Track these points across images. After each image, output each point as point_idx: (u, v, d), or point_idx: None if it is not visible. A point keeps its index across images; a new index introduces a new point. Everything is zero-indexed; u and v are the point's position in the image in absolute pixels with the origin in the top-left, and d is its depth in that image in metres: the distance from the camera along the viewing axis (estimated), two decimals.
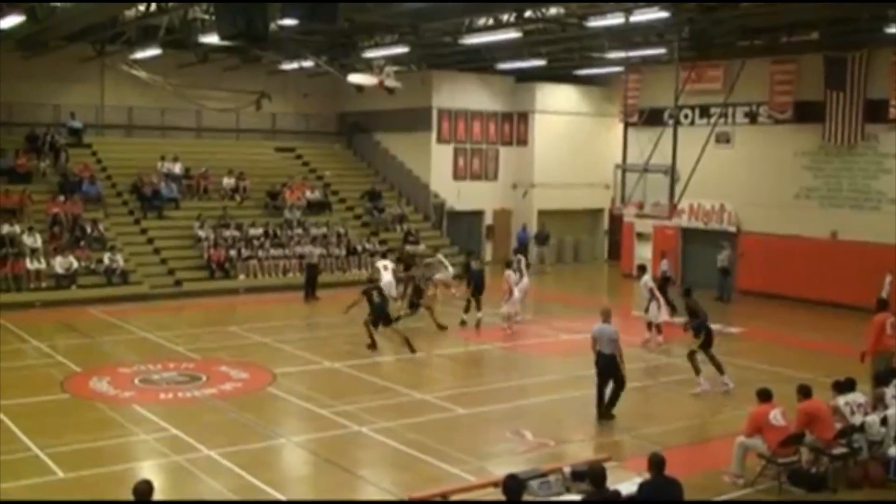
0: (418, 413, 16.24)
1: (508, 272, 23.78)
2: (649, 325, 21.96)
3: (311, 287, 28.76)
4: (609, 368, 15.81)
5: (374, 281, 22.68)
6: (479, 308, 23.96)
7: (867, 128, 27.56)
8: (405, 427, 15.26)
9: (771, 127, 30.22)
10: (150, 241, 30.99)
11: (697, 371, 17.71)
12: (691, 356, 17.86)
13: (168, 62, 30.46)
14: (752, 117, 30.87)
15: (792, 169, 29.56)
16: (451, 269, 27.40)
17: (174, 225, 31.89)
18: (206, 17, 24.57)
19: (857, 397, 13.55)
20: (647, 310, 21.88)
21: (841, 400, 13.35)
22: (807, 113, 28.89)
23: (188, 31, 26.24)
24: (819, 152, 28.99)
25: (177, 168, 33.82)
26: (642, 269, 23.74)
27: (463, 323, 24.03)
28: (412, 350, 20.58)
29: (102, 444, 14.23)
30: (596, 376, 15.98)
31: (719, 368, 17.76)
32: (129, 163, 33.87)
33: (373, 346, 21.07)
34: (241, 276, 30.27)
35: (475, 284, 24.22)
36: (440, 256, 28.20)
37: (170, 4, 23.00)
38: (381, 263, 24.99)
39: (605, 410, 15.87)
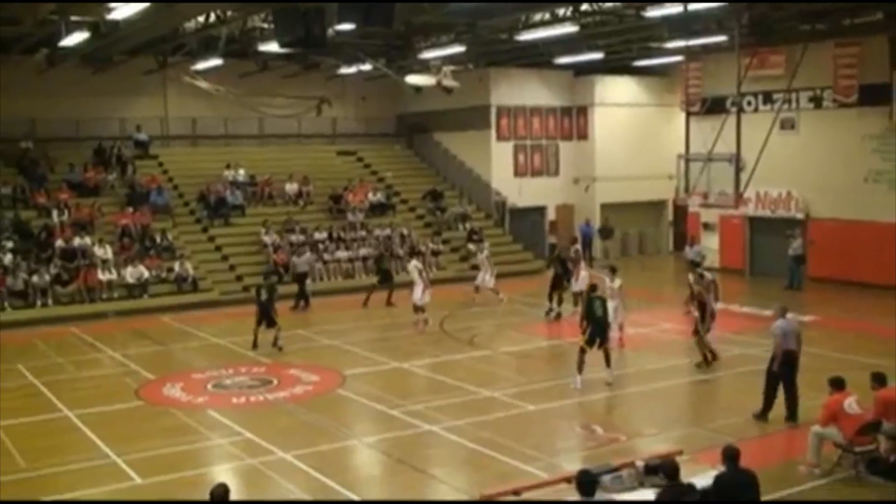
0: (487, 411, 16.25)
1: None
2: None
3: (302, 297, 27.77)
4: (795, 367, 15.09)
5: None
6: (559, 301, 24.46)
7: None
8: (475, 425, 15.29)
9: (836, 111, 29.65)
10: (218, 248, 31.46)
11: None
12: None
13: (229, 72, 30.86)
14: (817, 102, 30.32)
15: (860, 153, 28.97)
16: (492, 273, 27.69)
17: (241, 231, 32.33)
18: (265, 25, 24.87)
19: None
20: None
21: None
22: (873, 95, 28.28)
23: (248, 41, 26.62)
24: (887, 135, 28.36)
25: (241, 175, 34.27)
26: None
27: (555, 313, 24.54)
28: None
29: (178, 450, 14.48)
30: (770, 374, 15.11)
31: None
32: (195, 172, 34.44)
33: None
34: (308, 280, 30.49)
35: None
36: (484, 256, 28.42)
37: (229, 14, 23.30)
38: (412, 265, 24.87)
39: (792, 414, 15.04)
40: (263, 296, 21.66)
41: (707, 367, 18.75)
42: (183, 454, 14.32)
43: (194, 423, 15.91)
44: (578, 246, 27.46)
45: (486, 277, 27.72)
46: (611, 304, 19.14)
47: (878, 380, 13.02)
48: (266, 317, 21.55)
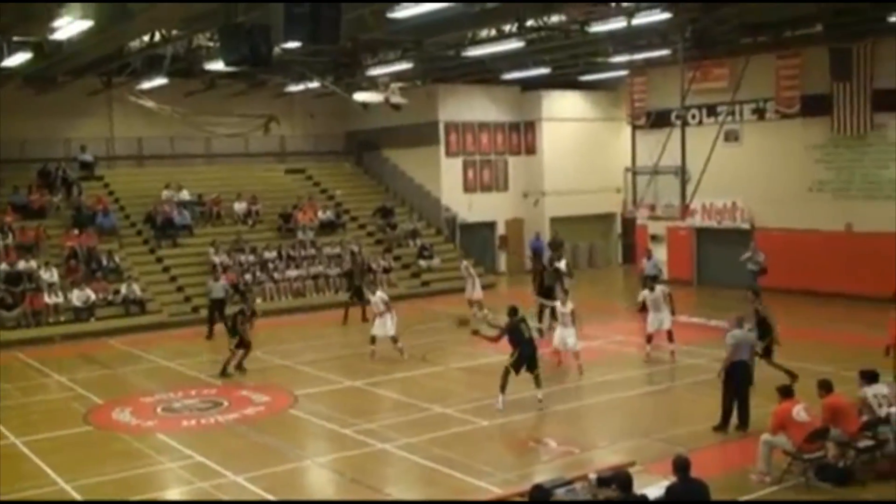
0: (441, 427, 16.22)
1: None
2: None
3: (213, 323, 26.22)
4: (747, 377, 15.32)
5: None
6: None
7: (876, 117, 27.45)
8: (429, 442, 15.26)
9: (779, 122, 30.16)
10: (166, 269, 31.13)
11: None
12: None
13: (175, 91, 30.61)
14: (760, 113, 30.82)
15: (803, 163, 29.48)
16: (478, 283, 27.45)
17: (189, 252, 32.04)
18: (211, 44, 24.71)
19: (881, 388, 13.49)
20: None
21: (869, 391, 13.28)
22: (815, 106, 28.80)
23: (193, 59, 26.42)
24: (829, 144, 28.91)
25: (184, 195, 33.95)
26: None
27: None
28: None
29: (128, 475, 14.26)
30: (727, 386, 15.26)
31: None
32: (142, 193, 34.07)
33: None
34: (258, 300, 30.30)
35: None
36: (467, 264, 28.27)
37: (174, 33, 23.12)
38: (377, 297, 22.66)
39: (743, 423, 15.22)
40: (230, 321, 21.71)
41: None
42: (133, 479, 14.10)
43: (144, 448, 15.68)
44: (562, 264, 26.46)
45: (477, 289, 27.33)
46: (565, 331, 19.11)
47: (825, 387, 13.23)
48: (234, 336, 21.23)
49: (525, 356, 17.05)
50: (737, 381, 15.15)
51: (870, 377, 13.53)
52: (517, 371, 17.10)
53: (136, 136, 35.63)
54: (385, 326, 22.10)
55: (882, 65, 27.07)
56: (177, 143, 36.15)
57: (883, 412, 13.03)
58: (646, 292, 21.22)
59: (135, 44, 24.86)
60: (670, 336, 20.90)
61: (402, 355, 21.91)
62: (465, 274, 27.81)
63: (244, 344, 21.16)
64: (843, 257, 27.66)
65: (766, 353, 17.33)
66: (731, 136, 30.89)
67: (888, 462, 12.75)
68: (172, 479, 14.30)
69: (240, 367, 21.22)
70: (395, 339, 22.18)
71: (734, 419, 15.21)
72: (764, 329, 17.35)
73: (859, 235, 27.88)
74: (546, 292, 24.39)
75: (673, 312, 21.18)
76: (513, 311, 17.48)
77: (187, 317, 28.75)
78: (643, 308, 21.26)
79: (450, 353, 22.98)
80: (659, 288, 21.18)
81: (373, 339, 22.34)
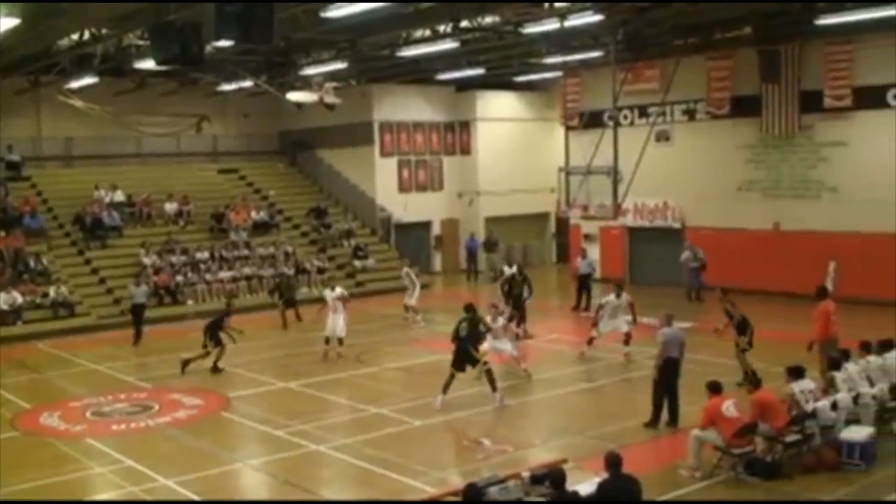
0: (376, 428, 16.17)
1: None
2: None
3: (139, 328, 25.74)
4: (677, 374, 15.53)
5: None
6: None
7: (803, 118, 28.06)
8: (363, 443, 15.22)
9: (710, 123, 30.65)
10: (95, 271, 30.59)
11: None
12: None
13: (105, 90, 30.13)
14: (691, 114, 31.30)
15: (733, 163, 29.99)
16: (419, 286, 27.16)
17: (119, 254, 31.52)
18: (141, 42, 24.35)
19: (807, 384, 13.77)
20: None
21: (796, 387, 13.55)
22: (744, 107, 29.33)
23: (123, 58, 26.00)
24: (758, 145, 29.46)
25: (116, 196, 33.42)
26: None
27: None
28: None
29: (57, 480, 13.98)
30: (659, 383, 15.46)
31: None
32: (71, 194, 33.45)
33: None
34: (190, 302, 29.99)
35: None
36: (408, 271, 27.88)
37: (104, 32, 22.74)
38: (338, 292, 22.40)
39: (673, 419, 15.44)
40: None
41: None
42: (62, 485, 13.82)
43: (74, 453, 15.39)
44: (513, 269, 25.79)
45: (415, 294, 26.95)
46: (497, 342, 18.65)
47: (754, 383, 13.48)
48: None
49: (457, 353, 17.12)
50: (667, 377, 15.39)
51: (796, 373, 13.81)
52: (454, 369, 17.14)
53: (65, 135, 34.97)
54: (337, 326, 21.82)
55: (809, 67, 27.67)
56: (107, 143, 35.53)
57: (809, 407, 13.31)
58: (611, 297, 20.86)
59: (64, 42, 24.42)
60: (628, 339, 20.77)
61: (338, 358, 21.77)
62: (407, 281, 27.32)
63: (220, 344, 21.31)
64: (772, 255, 28.20)
65: (750, 346, 17.81)
66: (663, 137, 31.33)
67: (814, 455, 13.04)
68: (102, 484, 14.05)
69: (216, 368, 21.22)
70: (340, 341, 21.94)
71: (665, 415, 15.43)
72: (742, 325, 17.92)
73: (787, 234, 28.46)
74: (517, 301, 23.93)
75: (635, 320, 20.98)
76: (466, 309, 17.68)
77: (117, 319, 28.24)
78: (585, 309, 20.86)
79: (384, 353, 22.96)
80: (625, 296, 20.92)
81: (327, 340, 22.03)
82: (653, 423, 15.43)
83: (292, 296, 27.80)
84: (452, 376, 17.14)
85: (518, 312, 23.09)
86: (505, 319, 19.22)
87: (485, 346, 17.75)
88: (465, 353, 17.15)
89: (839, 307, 17.87)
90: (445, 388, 17.11)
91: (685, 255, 28.95)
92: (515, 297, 24.16)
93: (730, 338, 18.33)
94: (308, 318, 25.80)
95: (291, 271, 32.00)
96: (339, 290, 22.35)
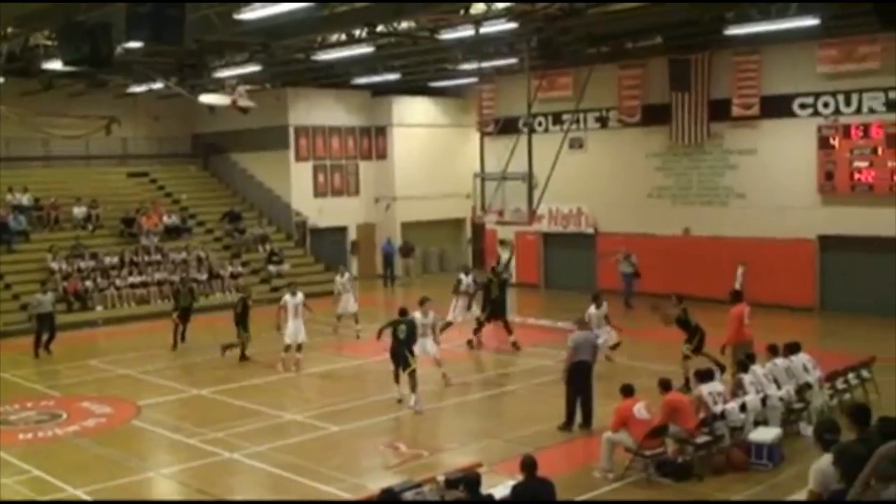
0: (290, 434, 16.09)
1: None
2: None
3: (45, 339, 24.50)
4: (588, 377, 15.74)
5: None
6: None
7: (712, 126, 28.72)
8: (277, 450, 15.09)
9: (621, 130, 31.17)
10: (1, 276, 29.74)
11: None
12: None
13: (11, 90, 29.31)
14: (603, 122, 31.79)
15: (644, 170, 30.53)
16: (355, 298, 25.87)
17: (25, 258, 30.71)
18: (49, 42, 23.78)
19: (716, 386, 14.08)
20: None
21: (705, 389, 13.83)
22: (655, 115, 29.90)
23: (31, 58, 25.34)
24: (668, 152, 30.04)
25: (24, 199, 32.58)
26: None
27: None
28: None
29: None
30: (570, 385, 15.65)
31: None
32: None
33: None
34: (99, 307, 29.37)
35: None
36: (346, 280, 25.97)
37: (10, 31, 22.15)
38: (292, 299, 21.64)
39: (586, 421, 15.62)
40: (239, 308, 22.47)
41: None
42: None
43: None
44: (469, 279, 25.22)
45: (350, 303, 25.48)
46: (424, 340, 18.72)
47: (664, 385, 13.75)
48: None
49: (394, 355, 17.59)
50: (578, 380, 15.61)
51: (704, 376, 14.11)
52: (395, 369, 17.63)
53: None
54: (300, 333, 21.29)
55: (718, 76, 28.34)
56: (12, 145, 34.55)
57: (718, 409, 13.61)
58: (591, 308, 20.02)
59: None
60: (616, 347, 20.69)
61: (295, 366, 21.27)
62: (341, 289, 25.58)
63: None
64: (682, 260, 28.72)
65: (699, 349, 17.96)
66: (576, 144, 31.75)
67: (724, 456, 13.34)
68: (9, 495, 13.63)
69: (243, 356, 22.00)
70: (300, 347, 21.38)
71: (579, 418, 15.63)
72: (693, 329, 18.10)
73: (696, 239, 29.06)
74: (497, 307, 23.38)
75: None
76: (402, 312, 18.11)
77: (23, 326, 27.47)
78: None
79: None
80: (605, 305, 20.43)
81: (287, 348, 21.46)
82: (567, 426, 15.62)
83: (189, 304, 25.37)
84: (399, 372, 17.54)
85: (497, 318, 23.09)
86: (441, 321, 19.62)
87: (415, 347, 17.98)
88: (402, 355, 17.40)
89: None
90: (410, 386, 17.37)
91: (617, 255, 29.06)
92: (494, 301, 23.40)
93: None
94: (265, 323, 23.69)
95: (204, 276, 31.58)
96: (300, 296, 21.68)
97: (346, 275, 26.23)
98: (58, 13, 16.91)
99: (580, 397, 15.65)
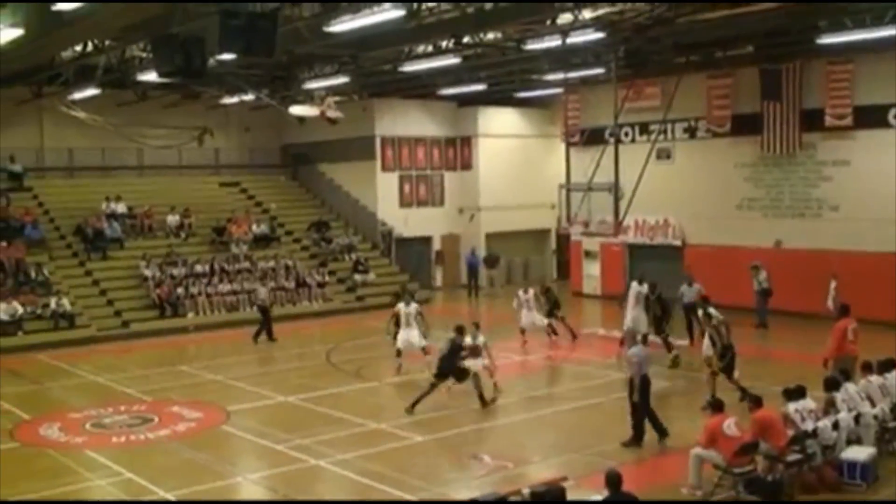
0: (375, 443, 16.16)
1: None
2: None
3: (266, 328, 26.78)
4: (649, 390, 15.70)
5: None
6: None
7: (804, 137, 28.10)
8: (362, 458, 15.19)
9: (710, 140, 30.71)
10: (96, 282, 30.59)
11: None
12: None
13: (107, 101, 30.19)
14: (692, 132, 31.36)
15: (733, 181, 30.03)
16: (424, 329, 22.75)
17: (119, 265, 31.53)
18: (144, 54, 24.42)
19: (808, 403, 13.73)
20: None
21: (791, 407, 13.52)
22: (745, 125, 29.39)
23: (126, 70, 26.06)
24: (759, 163, 29.49)
25: (118, 207, 33.45)
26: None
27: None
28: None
29: (56, 492, 13.98)
30: (638, 399, 15.52)
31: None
32: (72, 204, 33.46)
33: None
34: (190, 314, 29.98)
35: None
36: (412, 310, 22.02)
37: (107, 44, 22.80)
38: (405, 308, 21.61)
39: (661, 433, 15.61)
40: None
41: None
42: (61, 496, 13.84)
43: (73, 465, 15.38)
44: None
45: (415, 336, 21.78)
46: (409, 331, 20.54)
47: (755, 401, 13.46)
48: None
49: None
50: (644, 395, 15.50)
51: (795, 394, 13.78)
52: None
53: (67, 146, 34.95)
54: (414, 339, 21.44)
55: (810, 85, 27.74)
56: (108, 155, 35.59)
57: (808, 426, 13.29)
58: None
59: (67, 54, 24.46)
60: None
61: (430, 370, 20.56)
62: (411, 314, 22.03)
63: None
64: (773, 274, 27.84)
65: (728, 370, 17.65)
66: (664, 154, 31.37)
67: (815, 475, 13.01)
68: (101, 496, 14.02)
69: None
70: (424, 351, 21.47)
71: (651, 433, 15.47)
72: (724, 351, 17.70)
73: (788, 252, 28.44)
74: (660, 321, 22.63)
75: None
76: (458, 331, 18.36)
77: (117, 331, 28.31)
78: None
79: (384, 368, 22.88)
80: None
81: (399, 353, 21.71)
82: (634, 442, 15.45)
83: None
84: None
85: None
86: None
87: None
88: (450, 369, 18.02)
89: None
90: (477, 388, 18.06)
91: (761, 275, 27.15)
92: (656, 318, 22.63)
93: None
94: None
95: (292, 284, 32.06)
96: (414, 306, 21.79)
97: (413, 305, 22.05)
98: (153, 26, 17.34)
99: (648, 413, 15.53)
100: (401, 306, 21.80)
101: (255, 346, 26.24)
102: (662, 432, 15.50)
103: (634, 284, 23.29)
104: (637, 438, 15.47)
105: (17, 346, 26.25)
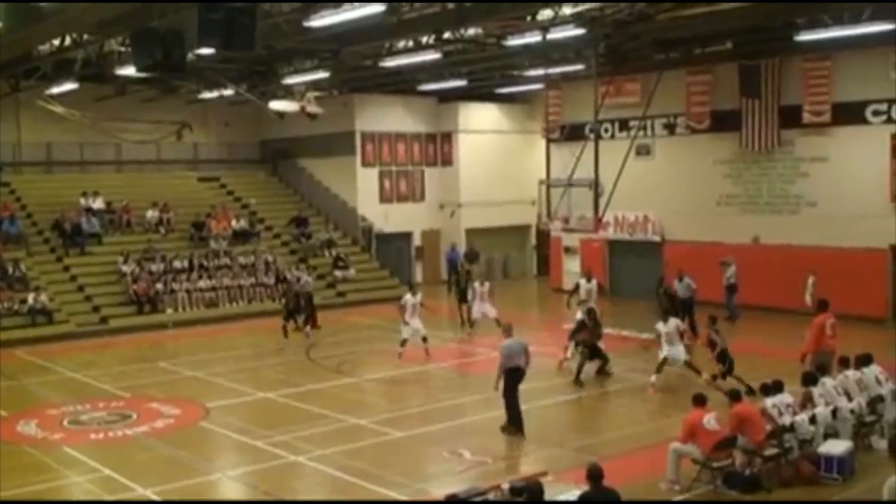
0: (354, 439, 16.14)
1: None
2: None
3: (310, 315, 26.96)
4: (519, 380, 16.12)
5: None
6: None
7: (783, 133, 28.22)
8: (342, 454, 15.17)
9: (689, 137, 30.80)
10: (74, 278, 30.40)
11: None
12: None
13: (85, 96, 29.97)
14: (671, 128, 31.46)
15: (712, 177, 30.14)
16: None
17: (98, 261, 31.33)
18: (123, 49, 24.24)
19: (785, 398, 13.82)
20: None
21: (768, 402, 13.60)
22: (724, 122, 29.49)
23: (105, 64, 25.84)
24: (737, 160, 29.61)
25: (96, 203, 33.24)
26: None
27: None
28: None
29: (34, 489, 13.91)
30: (510, 392, 15.99)
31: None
32: (50, 200, 33.23)
33: None
34: (169, 310, 29.85)
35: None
36: (413, 300, 23.14)
37: (85, 38, 22.62)
38: (412, 299, 22.85)
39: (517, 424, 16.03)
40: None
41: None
42: (39, 494, 13.77)
43: (51, 461, 15.30)
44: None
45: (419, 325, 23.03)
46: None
47: (734, 396, 13.54)
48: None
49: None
50: (511, 385, 15.97)
51: (772, 389, 13.86)
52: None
53: (45, 141, 34.74)
54: (420, 327, 22.79)
55: (789, 82, 27.86)
56: (86, 150, 35.39)
57: (786, 420, 13.37)
58: (659, 325, 19.33)
59: (44, 47, 24.25)
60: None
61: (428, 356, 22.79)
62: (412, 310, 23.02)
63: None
64: (751, 269, 28.10)
65: (730, 372, 17.92)
66: (643, 150, 31.46)
67: (792, 469, 13.10)
68: (79, 493, 13.93)
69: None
70: (425, 339, 22.91)
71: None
72: (722, 355, 18.15)
73: (766, 248, 28.58)
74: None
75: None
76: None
77: (95, 327, 28.13)
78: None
79: (364, 364, 22.93)
80: (672, 321, 19.43)
81: (403, 342, 22.67)
82: (509, 426, 16.00)
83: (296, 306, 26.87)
84: None
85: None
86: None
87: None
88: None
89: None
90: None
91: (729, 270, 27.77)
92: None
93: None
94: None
95: (271, 280, 31.97)
96: (419, 296, 23.24)
97: (419, 296, 23.40)
98: (131, 20, 17.21)
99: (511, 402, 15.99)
100: (408, 297, 22.92)
101: (233, 342, 26.15)
102: (518, 424, 15.92)
103: (583, 282, 24.47)
104: (511, 422, 16.00)
105: None
